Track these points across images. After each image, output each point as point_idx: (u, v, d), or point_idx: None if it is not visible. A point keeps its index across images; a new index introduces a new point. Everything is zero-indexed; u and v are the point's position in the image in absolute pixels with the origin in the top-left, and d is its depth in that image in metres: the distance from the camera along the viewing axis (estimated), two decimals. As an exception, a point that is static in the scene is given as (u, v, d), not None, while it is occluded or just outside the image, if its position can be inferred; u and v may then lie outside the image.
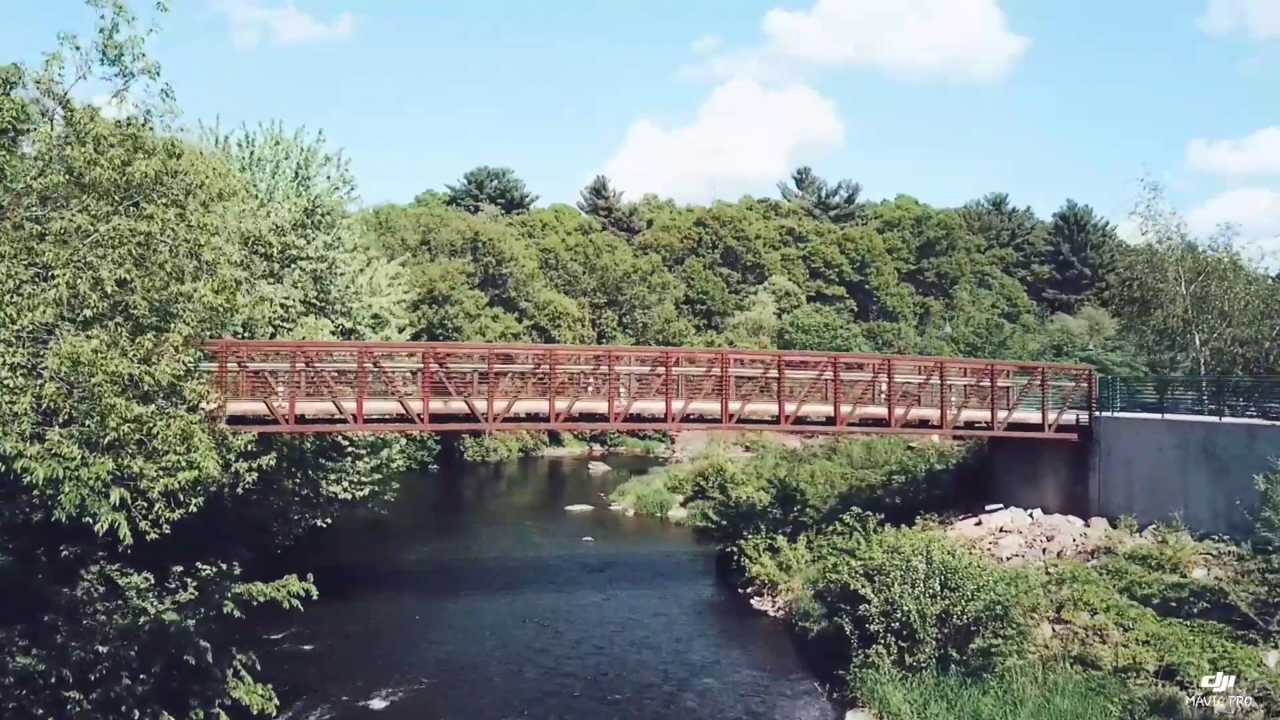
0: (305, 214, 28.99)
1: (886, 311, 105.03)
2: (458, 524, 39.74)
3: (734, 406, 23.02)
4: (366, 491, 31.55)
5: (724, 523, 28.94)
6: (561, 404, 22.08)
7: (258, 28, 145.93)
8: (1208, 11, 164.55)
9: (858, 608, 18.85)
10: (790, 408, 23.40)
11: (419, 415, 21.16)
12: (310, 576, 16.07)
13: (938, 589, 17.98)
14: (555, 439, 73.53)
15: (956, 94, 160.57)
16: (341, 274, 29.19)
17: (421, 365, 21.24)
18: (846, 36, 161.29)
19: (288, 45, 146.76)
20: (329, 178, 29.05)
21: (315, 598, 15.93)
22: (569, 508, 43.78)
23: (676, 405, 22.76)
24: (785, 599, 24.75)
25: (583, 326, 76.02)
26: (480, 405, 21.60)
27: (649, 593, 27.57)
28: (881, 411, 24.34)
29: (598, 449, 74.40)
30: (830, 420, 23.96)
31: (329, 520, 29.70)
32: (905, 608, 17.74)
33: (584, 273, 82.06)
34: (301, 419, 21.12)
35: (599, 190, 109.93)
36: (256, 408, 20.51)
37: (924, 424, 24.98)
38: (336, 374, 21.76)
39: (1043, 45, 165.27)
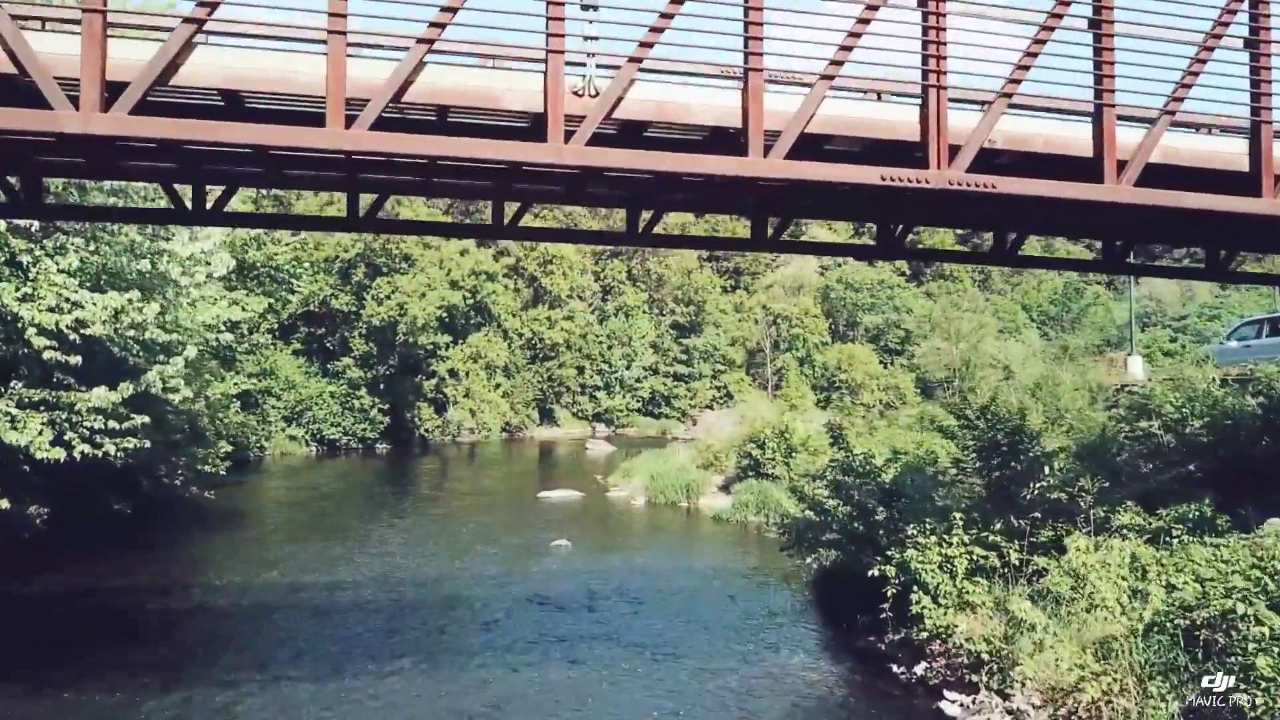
0: None
1: (941, 275, 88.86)
2: (358, 521, 23.83)
3: (961, 122, 7.19)
4: (111, 447, 15.78)
5: (845, 509, 13.04)
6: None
7: None
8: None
9: None
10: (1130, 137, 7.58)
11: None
12: None
13: None
14: (548, 415, 57.87)
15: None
16: None
17: None
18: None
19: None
20: None
21: None
22: (543, 494, 27.82)
23: (781, 106, 6.90)
24: (1067, 707, 8.78)
25: (582, 275, 60.18)
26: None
27: (687, 672, 11.71)
28: None
29: (601, 429, 58.63)
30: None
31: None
32: None
33: (587, 214, 66.12)
34: None
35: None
36: None
37: None
38: None
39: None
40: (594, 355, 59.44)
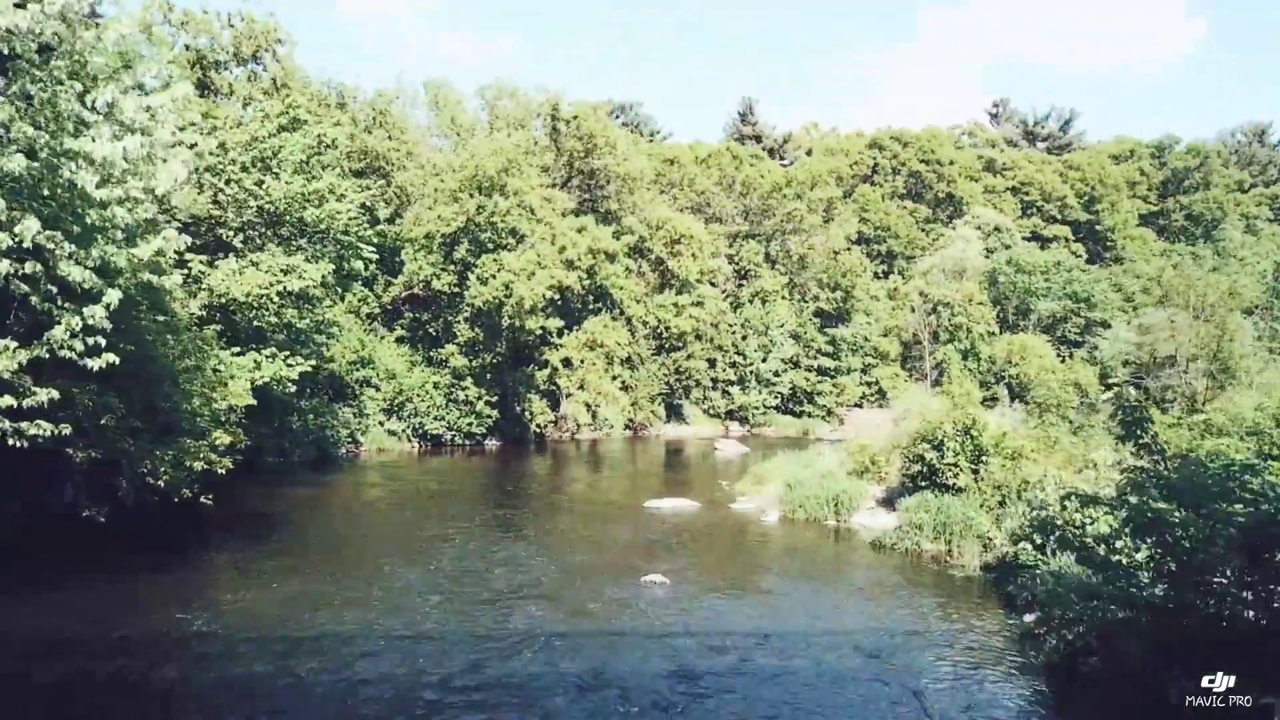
0: None
1: (1123, 259, 78.61)
2: (403, 538, 18.67)
3: None
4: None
5: (1156, 560, 6.80)
6: None
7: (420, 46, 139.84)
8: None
9: None
10: None
11: None
12: None
13: None
14: (676, 412, 52.18)
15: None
16: None
17: None
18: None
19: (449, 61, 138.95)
20: None
21: None
22: (650, 504, 22.05)
23: None
24: None
25: (714, 257, 54.00)
26: None
27: None
28: None
29: (734, 427, 52.53)
30: None
31: None
32: None
33: (720, 192, 59.93)
34: None
35: (745, 115, 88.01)
36: None
37: None
38: None
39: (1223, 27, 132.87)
40: (726, 346, 53.32)
